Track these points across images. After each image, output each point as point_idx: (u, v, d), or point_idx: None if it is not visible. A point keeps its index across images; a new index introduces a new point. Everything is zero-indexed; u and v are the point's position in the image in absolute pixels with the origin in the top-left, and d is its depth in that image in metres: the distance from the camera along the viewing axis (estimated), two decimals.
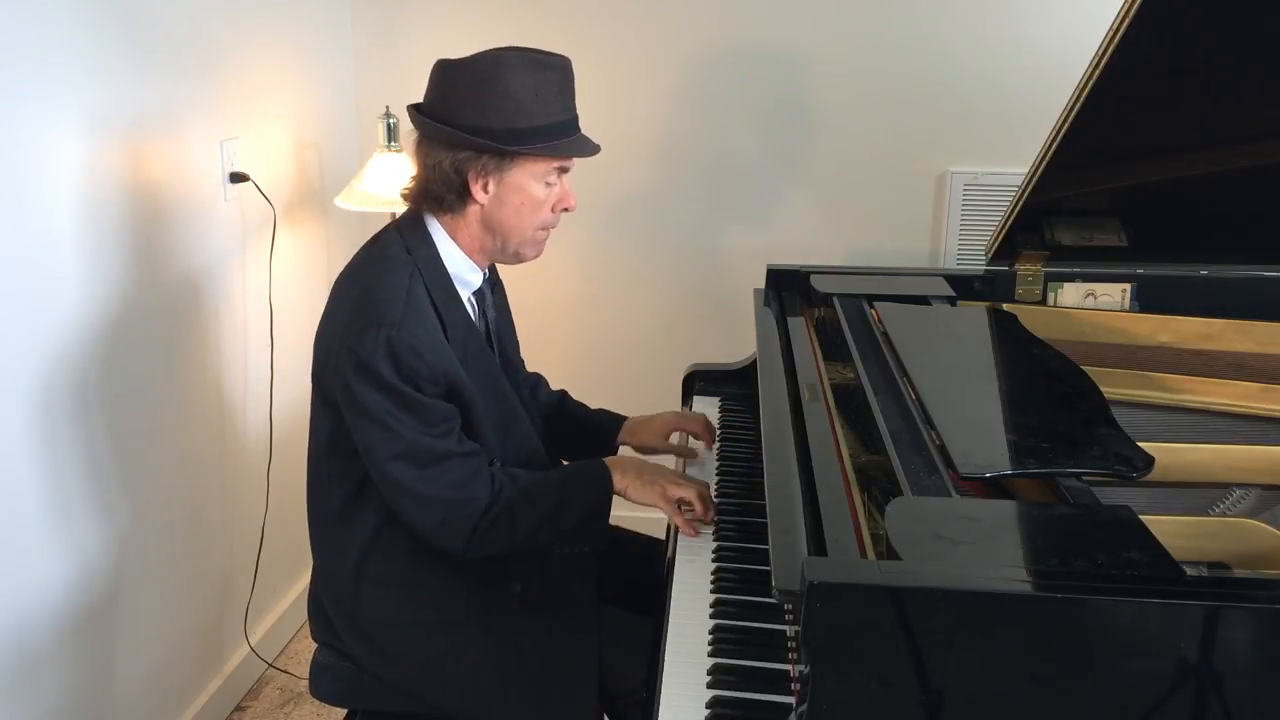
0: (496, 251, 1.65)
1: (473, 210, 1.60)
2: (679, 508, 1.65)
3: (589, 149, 1.61)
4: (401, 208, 2.40)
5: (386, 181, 2.44)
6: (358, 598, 1.66)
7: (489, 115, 1.53)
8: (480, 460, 1.60)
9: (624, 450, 1.92)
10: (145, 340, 2.06)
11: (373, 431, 1.53)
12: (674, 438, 1.96)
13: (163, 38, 2.07)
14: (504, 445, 1.67)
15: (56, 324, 1.83)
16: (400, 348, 1.49)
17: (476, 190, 1.58)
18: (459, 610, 1.65)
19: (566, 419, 1.95)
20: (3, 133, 1.69)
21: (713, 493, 1.75)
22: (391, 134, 2.48)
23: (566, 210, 1.65)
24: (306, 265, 2.69)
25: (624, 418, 1.96)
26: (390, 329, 1.49)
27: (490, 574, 1.66)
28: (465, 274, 1.65)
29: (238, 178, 2.30)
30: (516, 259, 1.66)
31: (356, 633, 1.66)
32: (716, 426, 2.05)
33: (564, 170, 1.62)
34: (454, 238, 1.63)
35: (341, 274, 1.65)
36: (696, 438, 1.97)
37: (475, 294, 1.69)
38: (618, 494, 1.65)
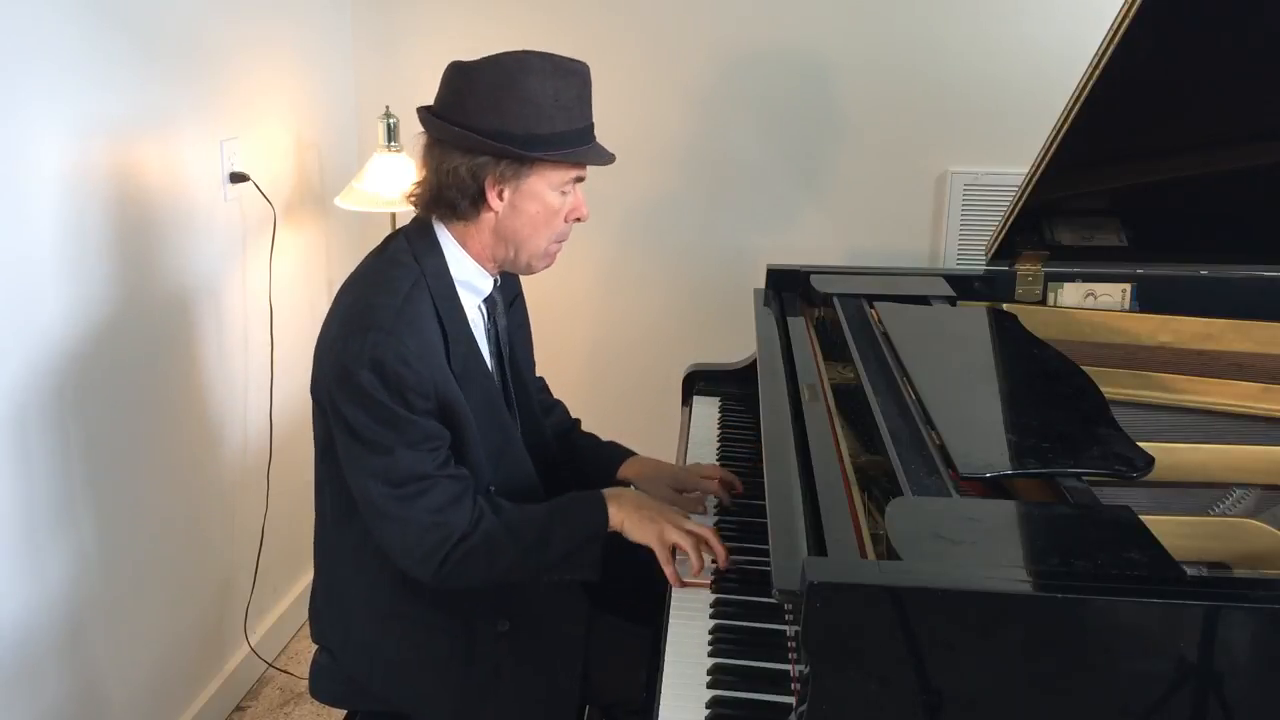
0: (508, 261, 1.60)
1: (486, 218, 1.55)
2: (673, 554, 1.53)
3: (606, 157, 1.57)
4: (401, 207, 2.43)
5: (386, 181, 2.44)
6: (351, 619, 1.65)
7: (508, 119, 1.48)
8: (465, 487, 1.53)
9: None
10: (145, 340, 2.06)
11: (351, 444, 1.48)
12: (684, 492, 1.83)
13: (162, 38, 2.07)
14: (495, 471, 1.62)
15: (56, 323, 1.83)
16: (386, 354, 1.44)
17: (492, 198, 1.53)
18: (443, 646, 1.61)
19: (571, 449, 1.88)
20: (2, 133, 1.69)
21: (713, 499, 1.73)
22: (391, 134, 2.48)
23: (579, 220, 1.60)
24: (306, 265, 2.69)
25: (631, 452, 1.87)
26: (378, 334, 1.45)
27: (478, 611, 1.61)
28: (474, 280, 1.60)
29: (238, 178, 2.30)
30: (528, 270, 1.62)
31: (349, 650, 1.66)
32: (717, 428, 2.05)
33: (579, 180, 1.57)
34: (464, 245, 1.58)
35: (346, 280, 1.61)
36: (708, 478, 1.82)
37: (485, 301, 1.64)
38: (615, 529, 1.55)
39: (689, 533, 1.53)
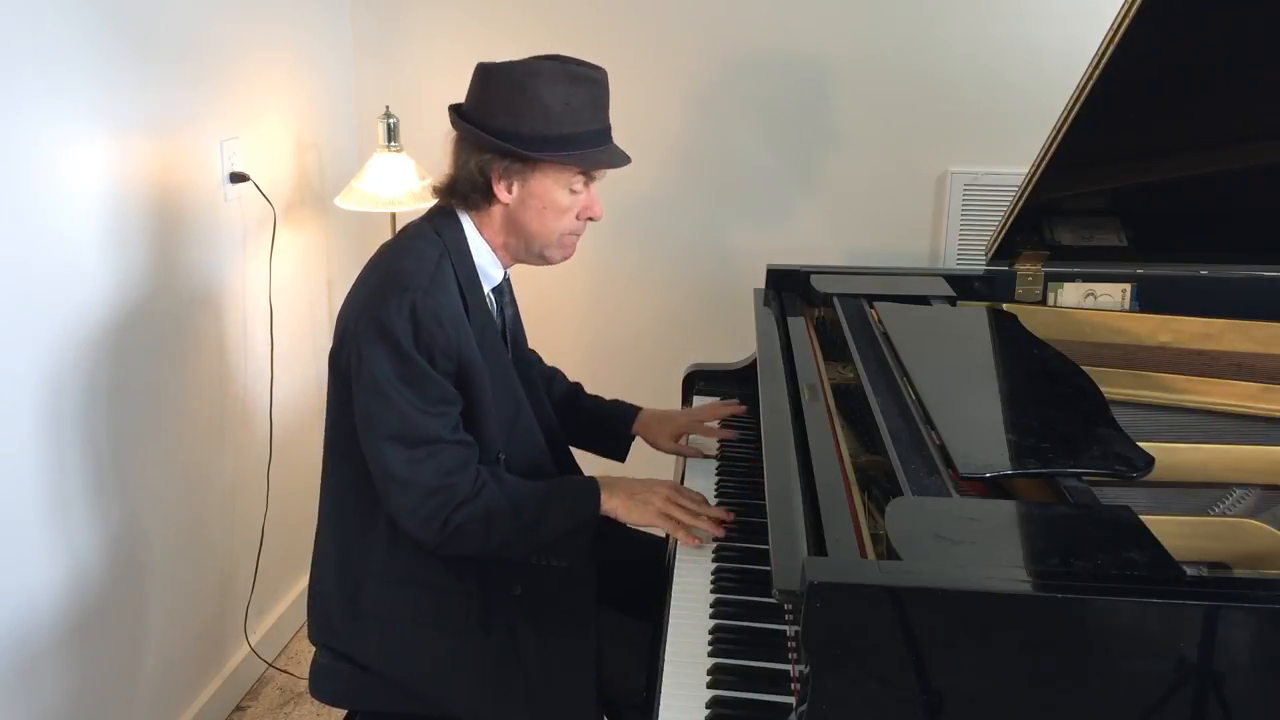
0: (521, 251, 1.68)
1: (497, 209, 1.64)
2: (677, 523, 1.62)
3: (616, 160, 1.63)
4: (401, 207, 2.43)
5: (386, 181, 2.44)
6: (361, 591, 1.66)
7: (519, 120, 1.56)
8: (471, 453, 1.59)
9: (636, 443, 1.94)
10: (145, 340, 2.06)
11: (371, 401, 1.54)
12: (681, 439, 1.97)
13: (163, 39, 2.07)
14: (508, 440, 1.68)
15: (56, 324, 1.83)
16: (422, 313, 1.51)
17: (500, 190, 1.61)
18: (459, 611, 1.64)
19: (581, 412, 1.97)
20: (3, 134, 1.69)
21: (713, 499, 1.74)
22: (391, 134, 2.48)
23: (591, 219, 1.67)
24: (306, 265, 2.69)
25: (639, 409, 1.97)
26: (415, 293, 1.52)
27: (492, 575, 1.65)
28: (488, 267, 1.68)
29: (238, 178, 2.30)
30: (542, 260, 1.69)
31: (358, 629, 1.66)
32: (718, 425, 2.05)
33: (590, 179, 1.64)
34: (480, 230, 1.66)
35: (372, 257, 1.68)
36: (712, 430, 1.98)
37: (494, 290, 1.71)
38: (608, 515, 1.62)
39: (682, 506, 1.62)
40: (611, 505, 1.62)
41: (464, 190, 1.62)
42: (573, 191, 1.62)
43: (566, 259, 1.69)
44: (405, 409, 1.53)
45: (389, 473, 1.55)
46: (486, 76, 1.60)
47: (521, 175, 1.60)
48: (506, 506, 1.57)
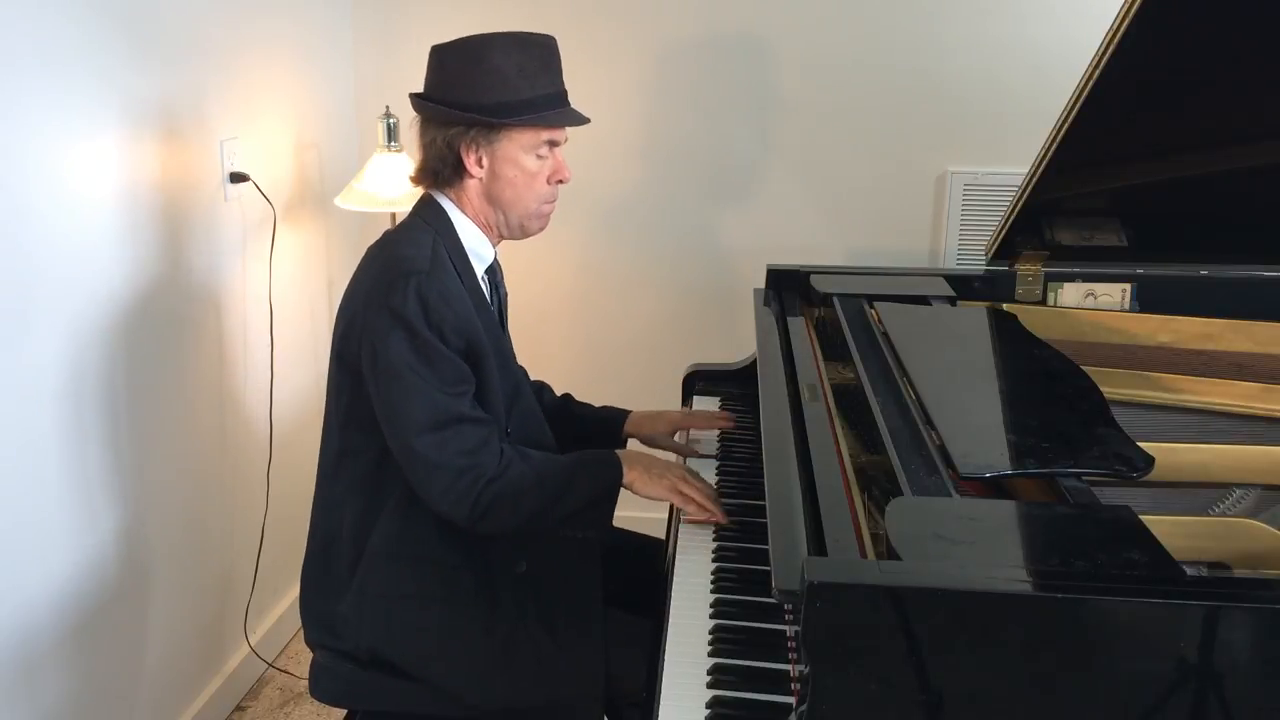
0: (502, 225, 1.71)
1: (471, 184, 1.67)
2: (687, 498, 1.66)
3: (575, 119, 1.67)
4: (400, 207, 2.43)
5: (386, 181, 2.45)
6: (367, 573, 1.66)
7: (478, 92, 1.61)
8: (492, 430, 1.62)
9: (630, 443, 1.94)
10: (145, 340, 2.06)
11: (393, 390, 1.56)
12: (678, 436, 1.98)
13: (163, 38, 2.07)
14: (509, 418, 1.70)
15: (54, 324, 1.83)
16: (429, 294, 1.55)
17: (470, 164, 1.64)
18: (466, 588, 1.65)
19: (572, 420, 1.98)
20: (2, 133, 1.69)
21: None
22: (391, 134, 2.48)
23: (562, 182, 1.70)
24: (306, 265, 2.69)
25: (628, 411, 1.99)
26: (420, 276, 1.56)
27: (496, 552, 1.67)
28: (479, 248, 1.70)
29: (238, 178, 2.30)
30: (522, 232, 1.72)
31: (363, 615, 1.66)
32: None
33: (554, 143, 1.67)
34: (463, 210, 1.69)
35: (367, 252, 1.70)
36: (706, 428, 1.99)
37: (487, 270, 1.74)
38: (625, 487, 1.65)
39: (697, 487, 1.66)
40: (630, 477, 1.65)
41: (435, 167, 1.66)
42: (539, 157, 1.65)
43: (542, 229, 1.73)
44: (428, 392, 1.56)
45: (420, 458, 1.57)
46: (441, 56, 1.65)
47: (489, 145, 1.63)
48: (534, 481, 1.60)
